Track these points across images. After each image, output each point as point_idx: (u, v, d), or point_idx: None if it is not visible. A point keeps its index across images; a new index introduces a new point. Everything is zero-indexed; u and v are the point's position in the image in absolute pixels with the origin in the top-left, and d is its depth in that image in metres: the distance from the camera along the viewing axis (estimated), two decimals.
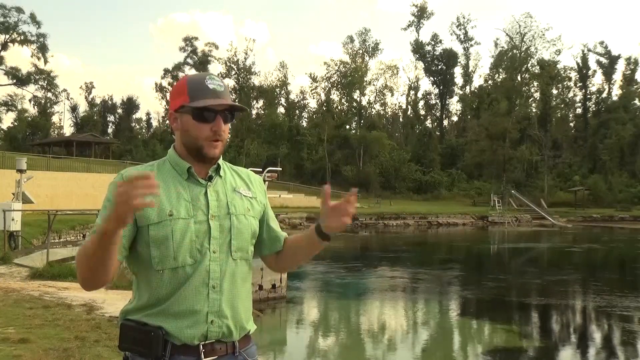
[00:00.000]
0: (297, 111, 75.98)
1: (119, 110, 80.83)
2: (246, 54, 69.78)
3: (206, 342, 1.60)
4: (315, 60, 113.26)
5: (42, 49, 64.00)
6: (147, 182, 1.37)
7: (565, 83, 73.56)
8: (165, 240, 1.60)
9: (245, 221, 1.71)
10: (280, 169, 45.52)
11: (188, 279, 1.60)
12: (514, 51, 68.67)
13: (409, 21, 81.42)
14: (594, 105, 74.56)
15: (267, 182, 18.70)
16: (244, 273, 1.70)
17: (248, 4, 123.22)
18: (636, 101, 70.41)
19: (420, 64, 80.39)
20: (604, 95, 74.35)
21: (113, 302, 7.88)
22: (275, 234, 1.85)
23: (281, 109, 74.18)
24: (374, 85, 74.71)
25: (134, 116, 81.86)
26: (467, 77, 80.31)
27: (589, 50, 73.02)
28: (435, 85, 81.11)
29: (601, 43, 72.96)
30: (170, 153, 1.74)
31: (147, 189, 1.37)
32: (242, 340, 1.68)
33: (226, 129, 1.69)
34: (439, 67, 79.97)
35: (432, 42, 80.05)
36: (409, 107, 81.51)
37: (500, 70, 70.61)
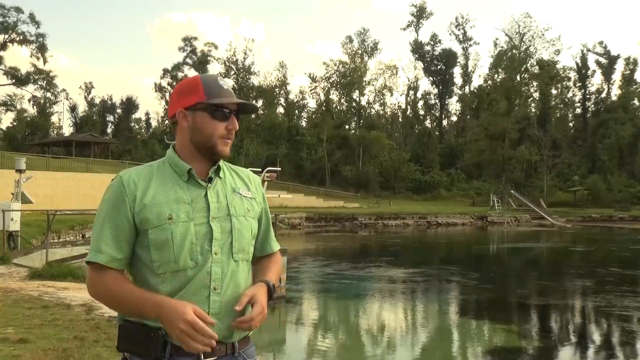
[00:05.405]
0: (297, 111, 76.03)
1: (118, 110, 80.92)
2: (245, 54, 69.83)
3: None
4: (312, 59, 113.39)
5: (41, 48, 63.99)
6: (209, 342, 1.51)
7: (564, 83, 73.69)
8: (165, 244, 1.59)
9: (246, 222, 1.70)
10: (280, 169, 45.45)
11: (189, 281, 1.59)
12: (514, 51, 68.73)
13: (408, 21, 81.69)
14: (593, 105, 74.64)
15: (266, 182, 18.67)
16: (245, 274, 1.70)
17: (245, 4, 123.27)
18: (635, 101, 70.45)
19: (420, 64, 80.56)
20: (603, 95, 74.49)
21: None
22: (268, 239, 1.87)
23: (280, 109, 74.26)
24: (373, 85, 74.90)
25: (133, 116, 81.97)
26: (467, 77, 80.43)
27: (588, 50, 73.20)
28: (434, 85, 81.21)
29: (600, 43, 73.17)
30: (169, 154, 1.72)
31: (205, 347, 1.52)
32: (241, 341, 1.68)
33: None
34: (438, 67, 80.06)
35: (432, 42, 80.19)
36: (409, 107, 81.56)
37: (500, 70, 70.69)
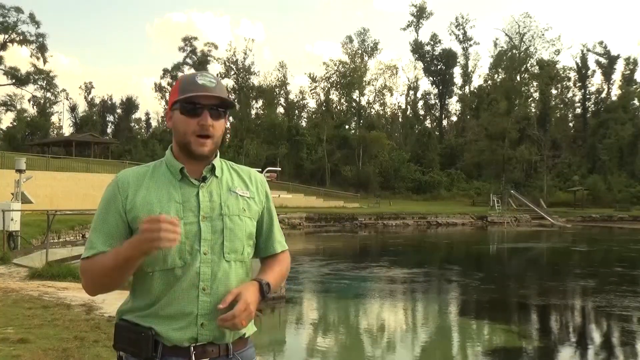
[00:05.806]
0: (297, 111, 76.03)
1: (118, 110, 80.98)
2: (245, 54, 69.81)
3: (197, 344, 1.59)
4: (311, 59, 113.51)
5: (41, 48, 63.99)
6: (172, 227, 1.46)
7: (564, 83, 73.71)
8: None
9: (240, 222, 1.68)
10: (280, 169, 45.55)
11: (178, 280, 1.59)
12: (513, 51, 68.73)
13: (408, 21, 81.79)
14: (593, 105, 74.67)
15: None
16: (240, 275, 1.68)
17: (245, 4, 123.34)
18: (635, 101, 70.47)
19: (420, 64, 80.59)
20: (603, 95, 74.55)
21: (112, 302, 7.85)
22: (271, 239, 1.83)
23: (280, 109, 74.26)
24: (373, 85, 74.85)
25: (133, 116, 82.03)
26: (467, 77, 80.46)
27: (588, 50, 73.25)
28: (434, 85, 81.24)
29: (600, 43, 73.22)
30: (167, 154, 1.73)
31: (172, 234, 1.46)
32: (237, 343, 1.66)
33: (217, 125, 1.66)
34: (438, 67, 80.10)
35: (432, 42, 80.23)
36: (409, 107, 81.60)
37: (500, 70, 70.67)
